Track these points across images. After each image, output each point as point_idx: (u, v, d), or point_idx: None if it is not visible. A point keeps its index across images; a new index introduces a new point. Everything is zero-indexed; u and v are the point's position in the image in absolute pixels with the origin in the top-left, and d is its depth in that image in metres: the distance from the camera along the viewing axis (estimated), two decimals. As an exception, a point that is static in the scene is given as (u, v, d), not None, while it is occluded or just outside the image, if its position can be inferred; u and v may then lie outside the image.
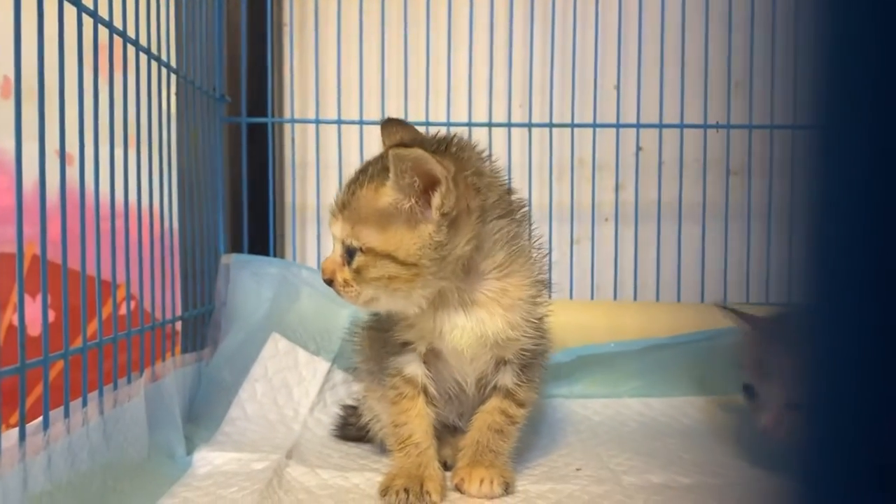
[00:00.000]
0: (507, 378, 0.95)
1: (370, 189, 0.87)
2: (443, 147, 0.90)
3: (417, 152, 0.82)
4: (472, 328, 0.91)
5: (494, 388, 0.96)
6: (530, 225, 0.98)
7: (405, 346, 0.96)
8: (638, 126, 1.45)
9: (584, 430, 1.20)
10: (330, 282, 0.89)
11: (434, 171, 0.82)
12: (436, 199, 0.83)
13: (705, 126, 1.44)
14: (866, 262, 0.27)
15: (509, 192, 0.95)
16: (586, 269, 1.49)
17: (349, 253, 0.87)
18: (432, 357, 0.96)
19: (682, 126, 1.44)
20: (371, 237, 0.86)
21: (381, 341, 0.99)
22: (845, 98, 0.28)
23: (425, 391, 0.96)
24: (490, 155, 0.97)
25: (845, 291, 0.28)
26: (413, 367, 0.96)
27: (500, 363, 0.95)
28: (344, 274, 0.88)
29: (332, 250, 0.91)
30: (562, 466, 1.04)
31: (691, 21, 1.43)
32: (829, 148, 0.29)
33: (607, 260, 1.49)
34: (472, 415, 0.98)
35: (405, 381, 0.96)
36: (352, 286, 0.88)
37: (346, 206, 0.88)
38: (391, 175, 0.84)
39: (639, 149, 1.50)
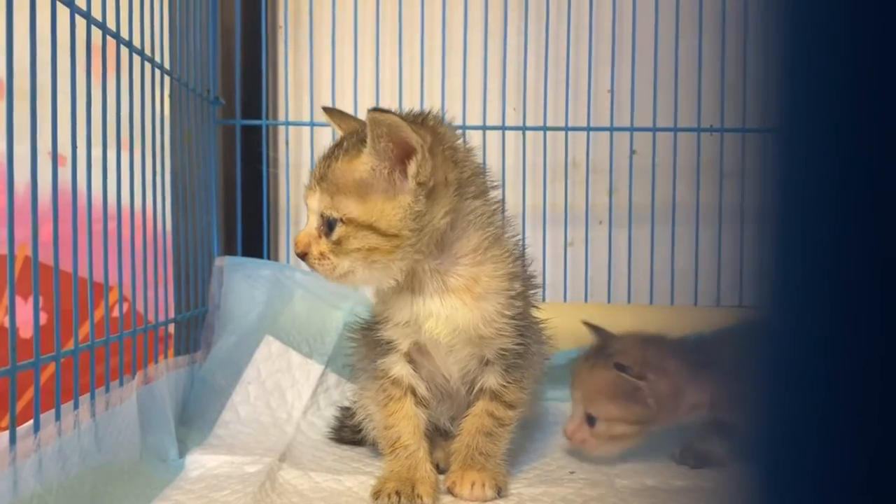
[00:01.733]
0: (491, 379, 0.95)
1: (347, 160, 0.87)
2: (419, 120, 0.90)
3: (393, 118, 0.82)
4: (447, 316, 0.90)
5: (481, 390, 0.96)
6: (503, 214, 0.98)
7: (390, 345, 0.96)
8: (632, 130, 1.46)
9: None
10: (304, 255, 0.88)
11: (409, 139, 0.83)
12: (412, 168, 0.84)
13: (699, 129, 1.44)
14: (822, 266, 0.28)
15: (483, 173, 0.95)
16: (580, 271, 1.49)
17: (328, 224, 0.87)
18: (418, 356, 0.96)
19: (675, 130, 1.44)
20: (351, 207, 0.86)
21: (372, 343, 0.99)
22: (801, 102, 0.28)
23: (414, 392, 0.96)
24: (464, 134, 0.98)
25: (801, 297, 0.28)
26: (398, 367, 0.96)
27: (484, 363, 0.95)
28: (320, 247, 0.87)
29: (306, 223, 0.90)
30: (555, 469, 1.04)
31: (685, 25, 1.44)
32: (784, 151, 0.29)
33: (601, 262, 1.49)
34: (461, 418, 0.98)
35: (392, 382, 0.96)
36: (328, 259, 0.87)
37: (323, 177, 0.87)
38: (368, 140, 0.84)
39: (633, 152, 1.50)
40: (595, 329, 1.11)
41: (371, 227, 0.85)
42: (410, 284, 0.90)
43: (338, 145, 0.90)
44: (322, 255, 0.87)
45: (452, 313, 0.90)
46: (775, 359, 0.29)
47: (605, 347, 1.07)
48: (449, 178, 0.87)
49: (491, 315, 0.91)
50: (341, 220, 0.86)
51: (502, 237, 0.94)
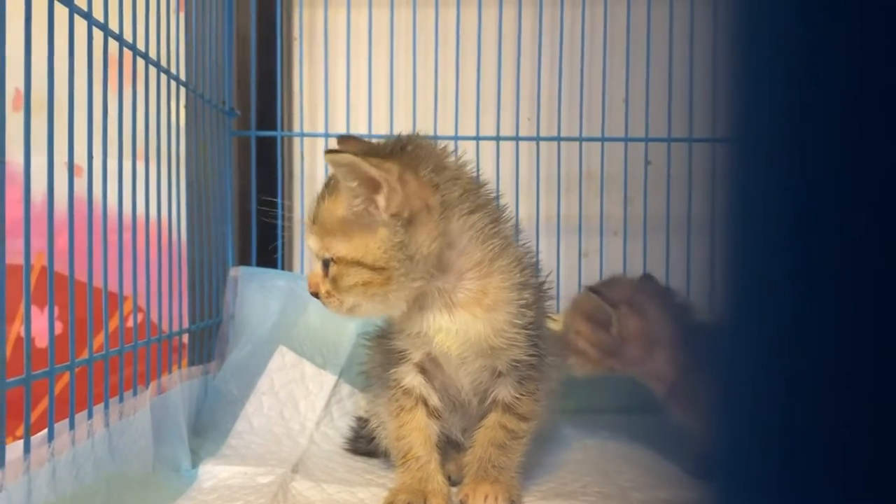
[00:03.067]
0: (504, 391, 0.94)
1: (331, 200, 0.88)
2: (398, 148, 0.89)
3: (347, 157, 0.83)
4: (457, 330, 0.90)
5: (494, 402, 0.95)
6: (510, 224, 0.97)
7: (402, 355, 0.95)
8: (647, 140, 1.45)
9: (592, 446, 1.19)
10: (316, 294, 0.91)
11: (370, 174, 0.83)
12: (381, 201, 0.84)
13: (714, 140, 1.43)
14: (781, 272, 0.28)
15: (478, 186, 0.94)
16: (595, 282, 1.49)
17: (325, 264, 0.89)
18: (431, 366, 0.96)
19: (690, 140, 1.43)
20: (338, 246, 0.87)
21: (386, 351, 0.99)
22: (755, 112, 0.29)
23: (426, 403, 0.96)
24: (455, 150, 0.98)
25: (760, 304, 0.29)
26: (410, 377, 0.96)
27: (496, 374, 0.94)
28: (325, 285, 0.89)
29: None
30: (570, 482, 1.03)
31: (699, 33, 1.43)
32: (742, 160, 0.30)
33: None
34: (474, 430, 0.97)
35: (404, 392, 0.96)
36: (333, 296, 0.88)
37: (315, 219, 0.90)
38: (340, 179, 0.86)
39: (648, 162, 1.49)
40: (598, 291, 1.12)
41: (359, 263, 0.86)
42: (420, 301, 0.90)
43: (326, 184, 0.91)
44: (328, 293, 0.89)
45: (462, 327, 0.90)
46: (730, 362, 0.30)
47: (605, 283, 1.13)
48: (430, 202, 0.86)
49: (501, 325, 0.90)
50: (332, 259, 0.87)
51: (510, 247, 0.93)
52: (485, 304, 0.89)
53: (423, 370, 0.96)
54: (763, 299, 0.29)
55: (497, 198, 0.97)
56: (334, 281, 0.87)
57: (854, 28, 0.27)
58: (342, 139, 1.00)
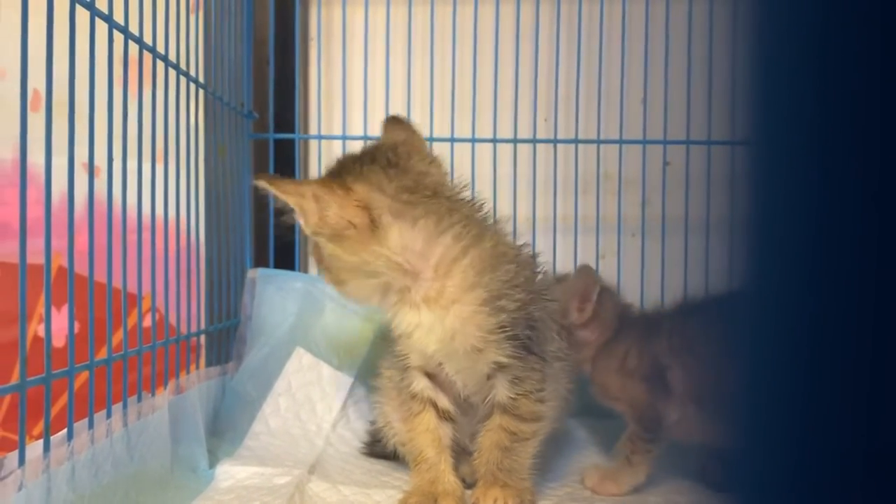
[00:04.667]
0: (500, 393, 0.92)
1: None
2: (368, 160, 0.93)
3: (262, 184, 0.91)
4: (428, 326, 0.90)
5: (492, 404, 0.93)
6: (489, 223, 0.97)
7: (404, 359, 0.96)
8: (665, 143, 1.44)
9: (610, 450, 1.18)
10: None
11: (283, 199, 0.90)
12: (300, 219, 0.90)
13: (733, 143, 1.42)
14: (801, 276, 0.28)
15: (442, 190, 0.93)
16: (612, 284, 1.48)
17: None
18: (434, 369, 0.96)
19: (709, 143, 1.42)
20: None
21: (393, 356, 1.00)
22: (777, 115, 0.29)
23: (435, 406, 0.95)
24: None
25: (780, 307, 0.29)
26: (416, 382, 0.96)
27: (485, 378, 0.93)
28: None
29: None
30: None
31: (719, 35, 1.42)
32: (762, 162, 0.30)
33: (634, 275, 1.47)
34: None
35: (412, 396, 0.96)
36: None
37: None
38: None
39: (666, 163, 1.48)
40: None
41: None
42: (389, 300, 0.93)
43: None
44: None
45: (431, 323, 0.90)
46: (749, 366, 0.30)
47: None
48: (356, 222, 0.88)
49: (468, 324, 0.89)
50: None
51: (477, 246, 0.91)
52: (441, 304, 0.89)
53: (428, 374, 0.96)
54: (783, 302, 0.29)
55: (463, 200, 0.95)
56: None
57: (876, 28, 0.26)
58: (392, 120, 1.03)
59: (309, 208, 0.88)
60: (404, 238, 0.89)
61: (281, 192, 0.89)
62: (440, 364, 0.94)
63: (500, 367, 0.91)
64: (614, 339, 1.06)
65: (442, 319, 0.89)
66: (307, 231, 0.91)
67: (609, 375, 1.04)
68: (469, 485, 0.97)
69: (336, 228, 0.88)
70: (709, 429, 0.96)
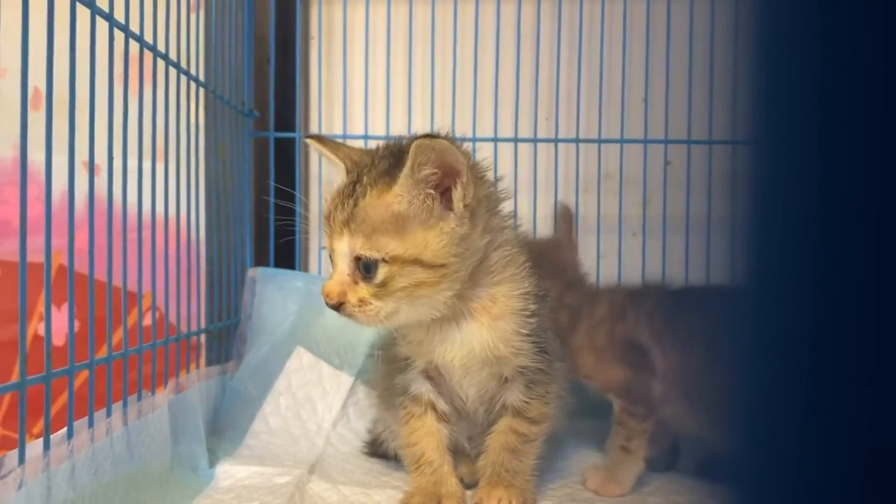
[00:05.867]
0: (513, 396, 0.92)
1: (376, 196, 0.82)
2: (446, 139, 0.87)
3: (445, 142, 0.79)
4: (462, 341, 0.88)
5: (504, 406, 0.93)
6: (515, 229, 0.97)
7: (407, 362, 0.94)
8: (666, 142, 1.44)
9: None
10: (338, 306, 0.83)
11: (457, 163, 0.80)
12: (458, 192, 0.81)
13: (734, 142, 1.42)
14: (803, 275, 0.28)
15: (495, 186, 0.92)
16: (613, 283, 1.48)
17: (366, 267, 0.82)
18: (436, 374, 0.94)
19: (710, 143, 1.42)
20: (393, 244, 0.81)
21: (389, 358, 0.99)
22: (779, 115, 0.29)
23: (434, 408, 0.95)
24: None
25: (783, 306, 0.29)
26: (417, 384, 0.95)
27: (503, 381, 0.92)
28: (359, 293, 0.82)
29: (333, 272, 0.85)
30: (586, 489, 1.02)
31: (720, 34, 1.42)
32: (764, 162, 0.30)
33: (635, 275, 1.47)
34: (480, 438, 0.96)
35: (412, 399, 0.95)
36: (370, 304, 0.82)
37: (351, 219, 0.82)
38: (406, 170, 0.81)
39: (667, 163, 1.48)
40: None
41: (417, 261, 0.81)
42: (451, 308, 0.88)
43: (354, 182, 0.85)
44: (362, 301, 0.82)
45: (468, 338, 0.88)
46: (750, 365, 0.30)
47: None
48: (479, 195, 0.85)
49: (508, 335, 0.88)
50: (384, 259, 0.81)
51: (519, 254, 0.91)
52: (493, 314, 0.88)
53: (429, 377, 0.95)
54: (784, 302, 0.29)
55: (507, 199, 0.94)
56: (383, 284, 0.81)
57: (878, 26, 0.26)
58: (317, 137, 0.97)
59: (469, 176, 0.82)
60: (491, 225, 0.87)
61: (459, 154, 0.80)
62: (443, 372, 0.93)
63: (520, 371, 0.91)
64: (587, 314, 1.05)
65: (483, 330, 0.88)
66: (465, 201, 0.81)
67: (582, 353, 1.03)
68: (467, 485, 0.97)
69: (477, 198, 0.83)
70: (693, 416, 0.96)
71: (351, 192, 0.84)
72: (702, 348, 0.94)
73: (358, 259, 0.82)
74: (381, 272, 0.81)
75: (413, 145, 0.80)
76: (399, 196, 0.81)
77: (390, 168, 0.83)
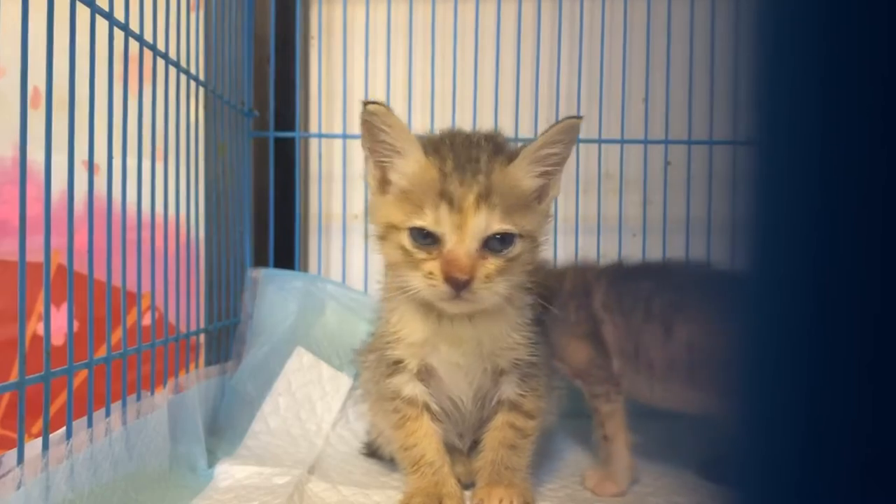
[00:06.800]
0: (508, 390, 0.93)
1: (505, 171, 0.83)
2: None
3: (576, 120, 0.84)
4: (463, 338, 0.89)
5: (499, 402, 0.94)
6: None
7: (398, 364, 0.94)
8: (666, 142, 1.44)
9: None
10: (466, 283, 0.79)
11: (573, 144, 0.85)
12: (561, 173, 0.86)
13: (735, 142, 1.42)
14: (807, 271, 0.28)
15: None
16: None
17: (502, 242, 0.80)
18: (426, 375, 0.94)
19: (711, 143, 1.42)
20: (526, 220, 0.82)
21: (376, 362, 0.98)
22: (780, 115, 0.29)
23: (428, 409, 0.95)
24: None
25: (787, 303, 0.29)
26: (410, 387, 0.94)
27: (498, 374, 0.93)
28: (487, 269, 0.80)
29: (454, 245, 0.80)
30: (584, 489, 1.02)
31: (721, 34, 1.42)
32: (765, 162, 0.30)
33: (634, 277, 1.47)
34: (471, 435, 0.97)
35: (406, 402, 0.94)
36: (494, 280, 0.80)
37: (488, 193, 0.80)
38: (539, 144, 0.84)
39: (667, 163, 1.48)
40: None
41: (533, 239, 0.84)
42: (432, 305, 0.87)
43: (473, 159, 0.82)
44: (489, 277, 0.80)
45: (469, 334, 0.89)
46: (753, 364, 0.30)
47: None
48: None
49: (506, 329, 0.90)
50: (520, 235, 0.81)
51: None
52: (501, 305, 0.88)
53: (421, 378, 0.94)
54: (785, 303, 0.28)
55: None
56: (513, 259, 0.81)
57: (881, 27, 0.26)
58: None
59: None
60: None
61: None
62: (437, 370, 0.94)
63: (515, 364, 0.92)
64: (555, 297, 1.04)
65: (491, 322, 0.89)
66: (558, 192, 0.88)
67: (553, 335, 1.03)
68: (464, 485, 0.96)
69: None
70: (639, 379, 0.97)
71: (475, 168, 0.81)
72: (641, 312, 0.96)
73: (495, 235, 0.81)
74: (517, 247, 0.82)
75: (563, 123, 0.83)
76: (525, 171, 0.85)
77: (497, 148, 0.85)
